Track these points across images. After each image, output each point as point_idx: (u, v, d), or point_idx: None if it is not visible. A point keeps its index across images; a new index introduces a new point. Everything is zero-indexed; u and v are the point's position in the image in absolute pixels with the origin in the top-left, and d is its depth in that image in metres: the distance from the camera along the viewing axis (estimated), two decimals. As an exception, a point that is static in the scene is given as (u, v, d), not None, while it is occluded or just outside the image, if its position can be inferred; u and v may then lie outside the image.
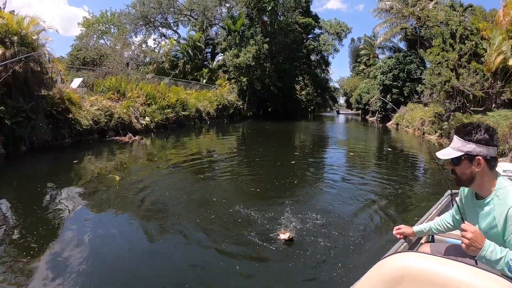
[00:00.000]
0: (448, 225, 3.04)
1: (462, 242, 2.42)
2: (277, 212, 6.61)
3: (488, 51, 22.31)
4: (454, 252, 2.73)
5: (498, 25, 19.84)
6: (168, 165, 11.74)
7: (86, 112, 15.74)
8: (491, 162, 2.34)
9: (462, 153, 2.38)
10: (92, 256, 4.73)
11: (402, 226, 3.28)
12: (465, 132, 2.40)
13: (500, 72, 22.63)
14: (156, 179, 9.39)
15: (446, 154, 2.48)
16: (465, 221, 2.50)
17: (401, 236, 3.23)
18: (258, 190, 8.41)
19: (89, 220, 6.05)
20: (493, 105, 25.46)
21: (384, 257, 2.29)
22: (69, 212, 6.46)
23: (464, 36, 25.19)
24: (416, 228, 3.25)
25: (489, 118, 19.16)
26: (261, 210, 6.62)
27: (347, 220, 6.30)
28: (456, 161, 2.44)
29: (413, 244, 3.55)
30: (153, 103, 21.23)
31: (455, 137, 2.47)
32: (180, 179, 9.48)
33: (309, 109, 63.95)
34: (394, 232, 3.26)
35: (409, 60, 40.98)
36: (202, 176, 10.01)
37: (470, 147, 2.35)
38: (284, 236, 5.17)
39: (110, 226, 5.82)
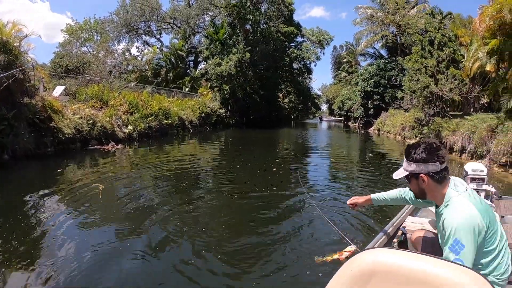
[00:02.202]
0: (403, 199, 3.37)
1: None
2: (254, 219, 6.89)
3: (466, 57, 22.78)
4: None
5: (474, 32, 20.30)
6: (151, 174, 11.83)
7: (68, 120, 15.68)
8: (436, 177, 2.52)
9: (408, 173, 2.65)
10: (70, 266, 4.72)
11: (354, 197, 3.69)
12: (407, 153, 2.66)
13: (478, 77, 23.15)
14: (139, 188, 9.52)
15: (397, 174, 2.76)
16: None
17: (354, 206, 3.66)
18: (235, 196, 8.59)
19: (72, 230, 6.06)
20: (472, 109, 25.99)
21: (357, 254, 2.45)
22: (51, 221, 6.46)
23: (442, 43, 25.70)
24: (374, 196, 3.57)
25: (468, 122, 19.55)
26: (241, 218, 6.88)
27: (324, 226, 6.33)
28: (406, 179, 2.73)
29: (390, 237, 3.92)
30: (135, 111, 21.27)
31: (404, 158, 2.72)
32: (163, 188, 9.55)
33: (292, 116, 64.25)
34: (348, 202, 3.70)
35: (389, 67, 41.49)
36: (184, 184, 10.12)
37: (412, 166, 2.60)
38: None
39: (93, 236, 5.86)
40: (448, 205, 2.47)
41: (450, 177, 2.62)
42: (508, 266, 2.49)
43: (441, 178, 2.53)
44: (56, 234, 5.80)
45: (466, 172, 4.90)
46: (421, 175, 2.55)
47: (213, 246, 5.48)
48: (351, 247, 3.70)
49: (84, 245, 5.42)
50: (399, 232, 3.93)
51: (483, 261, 2.40)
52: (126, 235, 5.88)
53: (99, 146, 16.55)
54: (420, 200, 3.06)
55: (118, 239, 5.71)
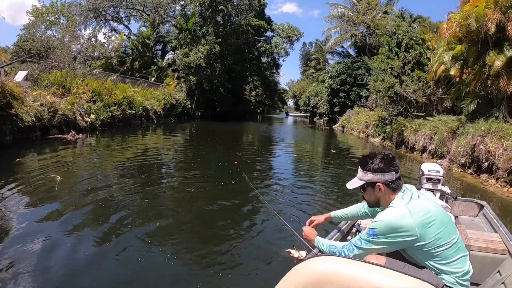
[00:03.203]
0: (363, 214, 3.48)
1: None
2: (210, 213, 6.98)
3: (431, 60, 23.20)
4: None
5: (441, 37, 20.71)
6: (111, 165, 11.70)
7: (28, 107, 15.12)
8: (392, 185, 2.66)
9: (364, 182, 2.76)
10: (18, 263, 4.57)
11: (314, 217, 3.70)
12: (363, 163, 2.76)
13: (442, 81, 23.66)
14: (97, 179, 9.37)
15: (352, 184, 2.84)
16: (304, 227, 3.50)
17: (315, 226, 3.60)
18: (192, 189, 8.60)
19: (21, 222, 5.89)
20: (434, 111, 26.56)
21: (301, 261, 2.43)
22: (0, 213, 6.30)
23: (409, 45, 26.18)
24: (334, 213, 3.66)
25: (430, 123, 20.10)
26: (200, 211, 6.99)
27: (277, 224, 6.25)
28: (361, 189, 2.83)
29: (344, 234, 4.01)
30: (99, 100, 20.80)
31: (359, 168, 2.81)
32: (122, 179, 9.45)
33: (258, 111, 64.31)
34: (308, 222, 3.65)
35: (356, 66, 41.97)
36: (143, 176, 10.02)
37: (369, 176, 2.71)
38: (297, 254, 5.07)
39: (44, 228, 5.73)
40: (386, 209, 2.65)
41: (405, 185, 2.76)
42: (468, 266, 2.60)
43: (396, 186, 2.67)
44: (5, 226, 5.69)
45: (423, 172, 4.95)
46: (378, 183, 2.68)
47: (164, 241, 5.47)
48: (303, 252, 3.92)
49: (32, 237, 5.29)
50: (354, 230, 4.06)
51: (439, 264, 2.54)
52: (79, 228, 5.79)
53: (59, 135, 16.16)
54: (378, 209, 3.05)
55: (69, 233, 5.58)
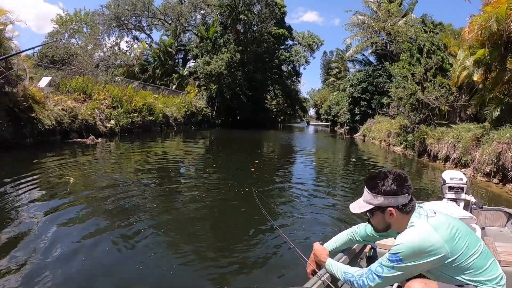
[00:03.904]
0: (357, 241, 3.08)
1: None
2: (214, 224, 6.90)
3: (454, 66, 22.87)
4: None
5: (463, 41, 20.39)
6: (126, 168, 11.70)
7: (49, 111, 15.33)
8: (405, 209, 2.37)
9: (372, 206, 2.43)
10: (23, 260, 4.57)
11: (312, 258, 3.02)
12: (372, 185, 2.43)
13: (465, 87, 23.24)
14: (111, 182, 9.30)
15: (358, 207, 2.52)
16: (316, 242, 3.09)
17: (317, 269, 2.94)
18: (204, 194, 8.49)
19: (29, 223, 5.83)
20: (458, 119, 26.11)
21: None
22: (11, 213, 6.30)
23: (431, 51, 25.83)
24: (328, 245, 3.09)
25: (453, 130, 19.63)
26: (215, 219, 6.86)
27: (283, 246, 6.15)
28: (369, 213, 2.51)
29: (357, 253, 3.53)
30: (119, 106, 20.99)
31: (365, 190, 2.49)
32: (136, 183, 9.36)
33: (279, 119, 64.34)
34: (309, 271, 3.00)
35: (377, 74, 41.68)
36: (157, 181, 9.96)
37: (379, 200, 2.39)
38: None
39: (52, 229, 5.65)
40: (406, 230, 2.37)
41: (418, 204, 2.49)
42: (501, 270, 2.41)
43: (409, 209, 2.39)
44: (13, 227, 5.60)
45: (444, 181, 4.68)
46: (390, 208, 2.38)
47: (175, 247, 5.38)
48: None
49: (41, 238, 5.25)
50: (367, 247, 3.62)
51: (474, 275, 2.30)
52: (91, 231, 5.69)
53: (78, 140, 16.31)
54: (376, 235, 2.86)
55: (79, 235, 5.52)
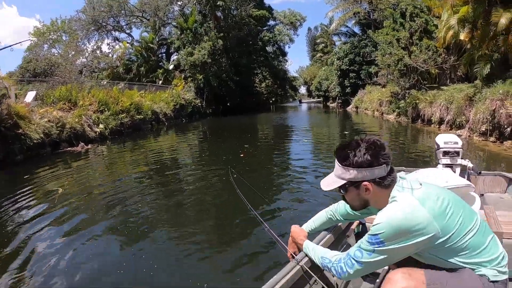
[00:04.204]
0: (338, 220, 2.75)
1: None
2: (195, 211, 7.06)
3: (439, 27, 22.80)
4: None
5: (446, 1, 20.29)
6: (117, 172, 11.69)
7: (36, 125, 15.19)
8: (383, 182, 2.01)
9: (344, 182, 2.08)
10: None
11: (291, 242, 2.72)
12: (342, 156, 2.07)
13: (453, 48, 23.17)
14: (102, 187, 9.27)
15: (328, 183, 2.15)
16: (294, 224, 2.77)
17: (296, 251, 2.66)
18: (191, 187, 8.50)
19: (14, 236, 5.97)
20: (448, 81, 26.05)
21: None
22: None
23: (414, 14, 25.77)
24: (307, 226, 2.80)
25: (444, 93, 19.71)
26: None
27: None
28: (342, 189, 2.15)
29: (343, 230, 3.22)
30: (106, 109, 20.78)
31: (335, 162, 2.13)
32: (126, 185, 9.41)
33: (271, 101, 64.20)
34: (289, 256, 2.67)
35: (363, 44, 41.70)
36: (148, 179, 10.02)
37: (352, 173, 2.03)
38: None
39: (39, 240, 5.78)
40: (387, 205, 2.01)
41: (401, 175, 2.12)
42: (502, 247, 2.07)
43: (389, 182, 2.02)
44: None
45: (438, 145, 4.49)
46: (364, 183, 2.02)
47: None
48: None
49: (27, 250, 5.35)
50: (355, 223, 3.33)
51: (470, 257, 1.95)
52: (80, 235, 5.86)
53: (69, 148, 16.19)
54: (357, 213, 2.49)
55: (63, 239, 5.75)
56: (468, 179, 4.44)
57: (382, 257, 1.93)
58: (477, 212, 2.38)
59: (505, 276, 1.96)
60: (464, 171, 4.54)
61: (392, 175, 2.02)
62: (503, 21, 14.72)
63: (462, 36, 18.74)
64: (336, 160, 2.11)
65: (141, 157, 14.50)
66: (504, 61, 16.54)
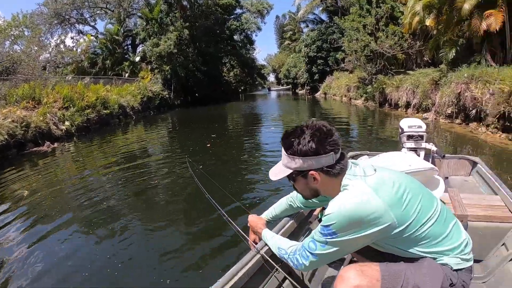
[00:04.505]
0: (296, 208, 2.73)
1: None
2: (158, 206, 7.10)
3: (405, 13, 23.14)
4: None
5: (411, -13, 20.59)
6: (83, 169, 11.51)
7: None
8: (332, 171, 1.90)
9: (291, 171, 1.97)
10: None
11: (252, 223, 2.68)
12: (287, 144, 1.95)
13: (419, 34, 23.63)
14: (68, 189, 8.96)
15: (275, 173, 2.06)
16: (252, 214, 2.73)
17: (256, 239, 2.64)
18: (156, 181, 8.52)
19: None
20: (415, 66, 26.57)
21: None
22: None
23: (380, 1, 26.06)
24: (266, 215, 2.78)
25: (410, 77, 20.13)
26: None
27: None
28: (289, 179, 2.06)
29: (305, 217, 3.19)
30: (71, 105, 20.27)
31: (282, 151, 2.01)
32: (90, 187, 9.02)
33: (240, 90, 63.98)
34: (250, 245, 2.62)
35: (331, 31, 42.12)
36: (116, 175, 9.80)
37: (297, 162, 1.91)
38: None
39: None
40: (339, 194, 1.89)
41: (352, 162, 2.00)
42: (465, 233, 2.01)
43: (338, 171, 1.90)
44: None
45: (402, 129, 4.46)
46: (311, 172, 1.91)
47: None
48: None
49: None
50: (318, 208, 3.15)
51: (431, 246, 1.88)
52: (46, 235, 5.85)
53: (35, 149, 15.90)
54: (315, 200, 2.42)
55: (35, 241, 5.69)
56: (433, 162, 4.48)
57: (335, 248, 1.85)
58: (438, 196, 2.33)
59: (470, 263, 1.93)
60: (428, 155, 4.54)
61: (341, 162, 1.90)
62: (466, 6, 14.94)
63: (427, 22, 19.08)
64: (282, 148, 2.00)
65: (109, 152, 14.29)
66: (469, 46, 16.85)
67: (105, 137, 18.96)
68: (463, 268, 1.91)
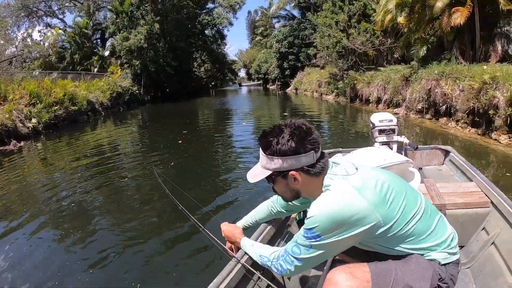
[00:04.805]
0: (278, 213, 2.62)
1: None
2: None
3: (377, 11, 23.48)
4: None
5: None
6: (53, 170, 11.08)
7: None
8: (312, 170, 1.84)
9: (270, 172, 1.90)
10: None
11: (227, 233, 2.58)
12: (265, 144, 1.88)
13: (390, 31, 24.04)
14: (35, 189, 8.78)
15: (255, 175, 1.97)
16: (224, 222, 2.63)
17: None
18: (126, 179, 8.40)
19: None
20: (385, 62, 27.14)
21: None
22: None
23: (353, -2, 26.55)
24: (242, 223, 2.71)
25: (382, 73, 20.49)
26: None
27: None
28: (269, 180, 1.98)
29: (283, 221, 3.08)
30: (38, 102, 19.68)
31: (260, 152, 1.95)
32: (58, 188, 8.74)
33: (210, 85, 63.70)
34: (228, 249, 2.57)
35: (303, 27, 42.51)
36: (85, 177, 9.64)
37: (276, 163, 1.84)
38: None
39: None
40: (320, 195, 1.83)
41: (334, 161, 1.96)
42: (450, 227, 2.00)
43: (319, 170, 1.85)
44: None
45: (373, 124, 4.48)
46: (291, 172, 1.84)
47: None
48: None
49: None
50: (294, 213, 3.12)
51: (417, 242, 1.85)
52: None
53: (0, 148, 15.55)
54: (296, 203, 2.33)
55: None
56: (406, 155, 4.52)
57: (320, 251, 1.79)
58: (418, 189, 2.36)
59: (456, 257, 1.93)
60: (401, 148, 4.61)
61: (322, 161, 1.86)
62: (439, 4, 15.30)
63: (399, 20, 19.38)
64: (260, 148, 1.93)
65: (78, 151, 13.97)
66: (440, 44, 17.58)
67: (74, 134, 18.51)
68: (451, 262, 1.90)
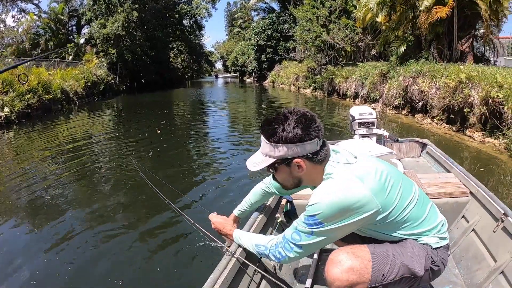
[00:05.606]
0: (270, 194, 2.69)
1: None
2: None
3: (358, 8, 23.72)
4: None
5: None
6: (27, 161, 10.79)
7: None
8: (316, 157, 1.86)
9: (274, 160, 1.89)
10: None
11: (218, 225, 2.55)
12: (269, 132, 1.86)
13: (369, 28, 24.50)
14: (7, 183, 8.34)
15: (256, 163, 1.95)
16: (211, 213, 2.63)
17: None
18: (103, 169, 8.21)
19: None
20: (363, 58, 27.58)
21: None
22: None
23: (334, -6, 26.75)
24: (237, 210, 2.72)
25: (359, 69, 20.78)
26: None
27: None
28: (271, 169, 1.97)
29: (272, 210, 3.20)
30: (10, 90, 19.23)
31: (262, 139, 1.92)
32: (32, 180, 8.42)
33: (186, 76, 63.35)
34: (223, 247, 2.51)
35: (282, 20, 42.62)
36: (60, 168, 9.42)
37: (281, 150, 1.83)
38: None
39: None
40: (322, 183, 1.88)
41: (334, 149, 2.00)
42: (441, 218, 2.08)
43: (323, 157, 1.88)
44: None
45: (353, 117, 4.51)
46: (296, 160, 1.84)
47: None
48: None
49: None
50: (283, 201, 3.27)
51: (413, 228, 1.94)
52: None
53: (-28, 138, 15.04)
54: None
55: None
56: (384, 146, 4.56)
57: (321, 238, 1.83)
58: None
59: (446, 241, 2.03)
60: (380, 140, 4.74)
61: (325, 149, 1.89)
62: (426, 4, 15.66)
63: (379, 18, 19.66)
64: (262, 136, 1.91)
65: (52, 140, 13.67)
66: (418, 44, 18.03)
67: (48, 124, 18.15)
68: (441, 246, 2.01)
